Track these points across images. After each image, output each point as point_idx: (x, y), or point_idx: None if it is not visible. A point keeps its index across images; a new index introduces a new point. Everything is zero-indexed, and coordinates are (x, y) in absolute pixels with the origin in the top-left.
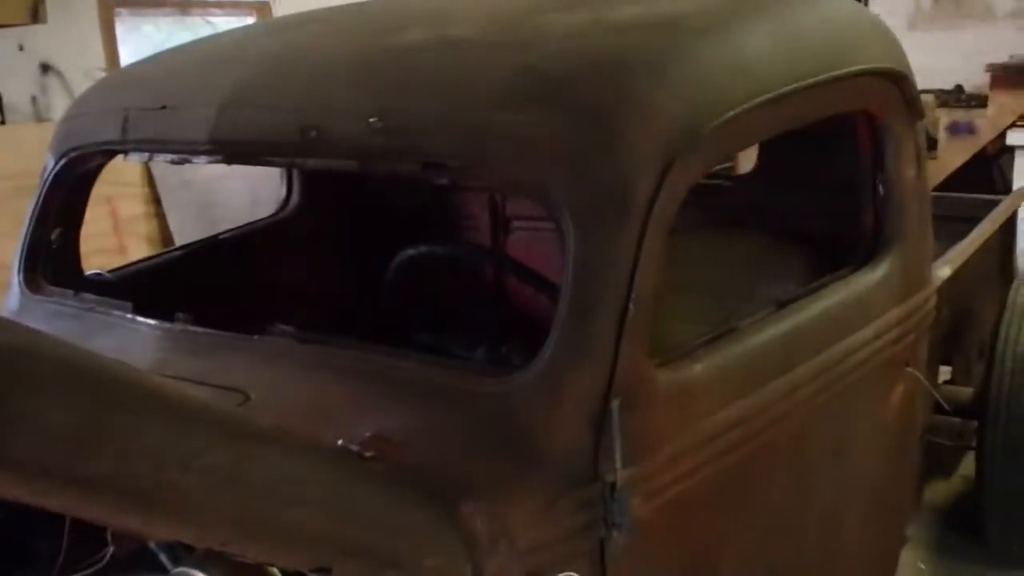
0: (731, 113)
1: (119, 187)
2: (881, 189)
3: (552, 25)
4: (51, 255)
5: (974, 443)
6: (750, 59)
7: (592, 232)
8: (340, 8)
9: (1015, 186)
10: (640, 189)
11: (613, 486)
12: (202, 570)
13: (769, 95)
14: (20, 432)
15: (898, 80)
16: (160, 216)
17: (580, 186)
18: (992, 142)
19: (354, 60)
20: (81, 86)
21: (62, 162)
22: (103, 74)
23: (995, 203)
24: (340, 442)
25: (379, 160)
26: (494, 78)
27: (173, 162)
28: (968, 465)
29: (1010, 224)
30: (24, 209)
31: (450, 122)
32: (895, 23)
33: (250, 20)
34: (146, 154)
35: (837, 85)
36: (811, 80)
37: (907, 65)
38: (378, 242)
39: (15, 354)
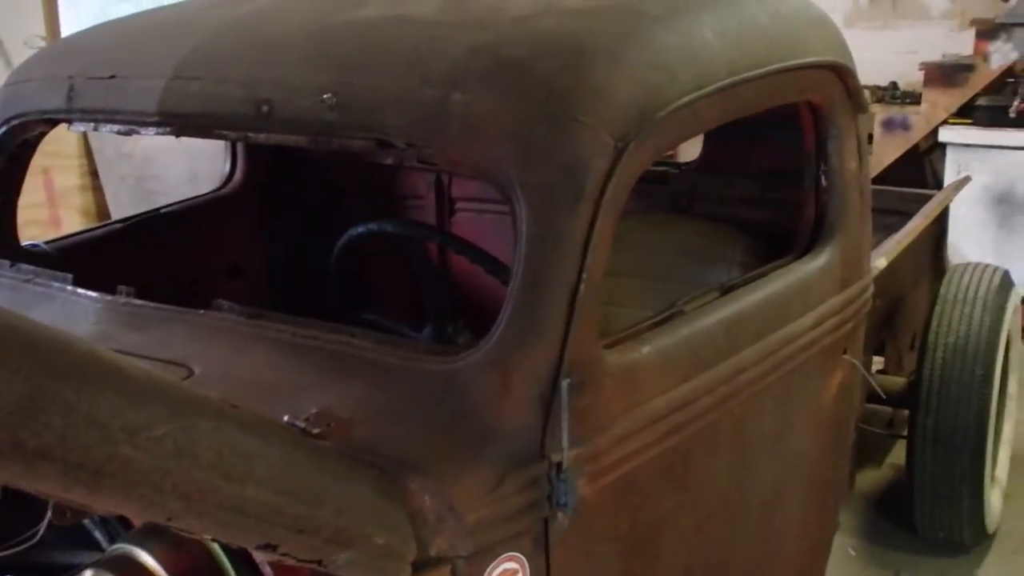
0: (684, 100)
1: (55, 158)
2: (823, 180)
3: (508, 7)
4: None
5: (905, 432)
6: (702, 47)
7: (545, 212)
8: None
9: (946, 181)
10: (594, 171)
11: (559, 466)
12: (140, 546)
13: (720, 83)
14: None
15: (842, 73)
16: (96, 189)
17: (534, 166)
18: (925, 138)
19: (309, 35)
20: (20, 54)
21: (2, 129)
22: (42, 42)
23: (928, 197)
24: (286, 418)
25: (332, 136)
26: (450, 57)
27: (120, 133)
28: (897, 453)
29: (942, 218)
30: None
31: (404, 100)
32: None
33: None
34: (91, 124)
35: (784, 76)
36: (759, 71)
37: (851, 59)
38: (322, 219)
39: None
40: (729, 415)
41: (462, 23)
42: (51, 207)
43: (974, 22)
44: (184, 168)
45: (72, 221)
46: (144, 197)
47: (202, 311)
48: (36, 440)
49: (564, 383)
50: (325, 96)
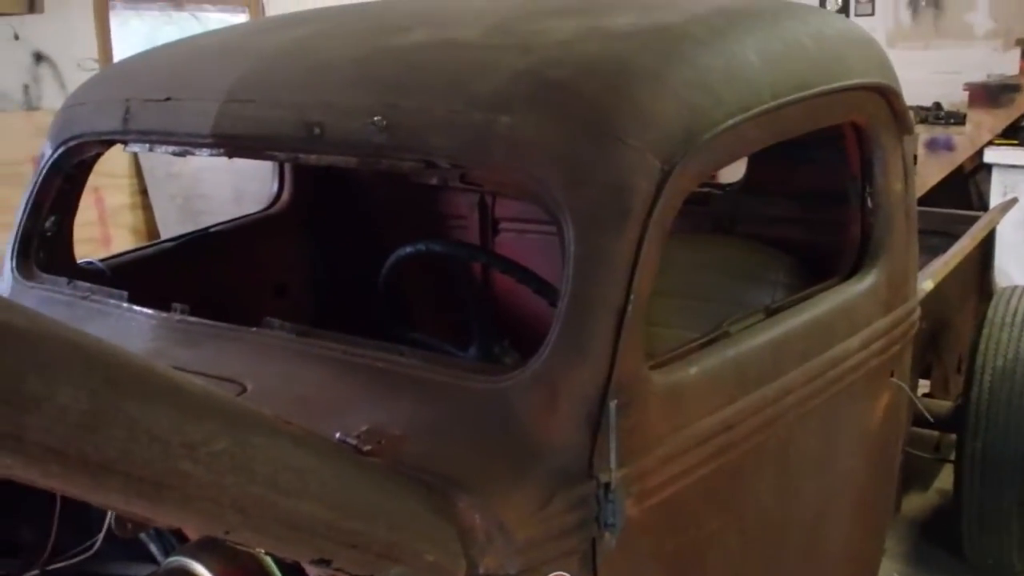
0: (730, 122)
1: (106, 177)
2: (869, 201)
3: (551, 31)
4: (44, 243)
5: (952, 456)
6: (746, 70)
7: (592, 233)
8: (341, 8)
9: (991, 203)
10: (640, 192)
11: (607, 486)
12: (195, 559)
13: (765, 106)
14: (36, 415)
15: (887, 94)
16: (146, 208)
17: (581, 187)
18: (970, 159)
19: (358, 58)
20: (73, 76)
21: (60, 150)
22: (95, 65)
23: (974, 219)
24: (337, 435)
25: (382, 158)
26: (495, 80)
27: (174, 154)
28: (945, 478)
29: (988, 240)
30: (13, 196)
31: (452, 122)
32: None
33: (242, 16)
34: (146, 145)
35: (829, 98)
36: (804, 93)
37: (896, 80)
38: (366, 239)
39: (30, 337)
40: (775, 437)
41: (507, 47)
42: (102, 225)
43: (1019, 42)
44: (230, 188)
45: (122, 239)
46: (191, 216)
47: (254, 328)
48: (100, 454)
49: (612, 403)
50: (375, 118)
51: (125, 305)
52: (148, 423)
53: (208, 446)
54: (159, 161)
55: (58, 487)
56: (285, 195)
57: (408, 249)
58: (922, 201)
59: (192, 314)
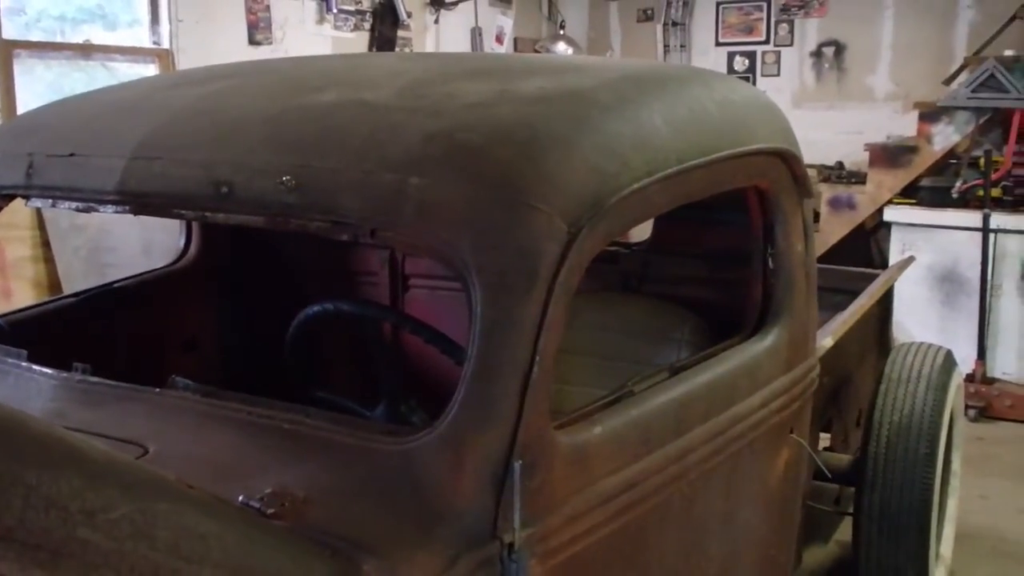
0: (635, 186)
1: (7, 229)
2: (771, 262)
3: (463, 94)
4: None
5: (851, 509)
6: (653, 135)
7: (499, 296)
8: (253, 64)
9: (891, 259)
10: (546, 256)
11: (511, 547)
12: None
13: (670, 170)
14: None
15: (788, 159)
16: (49, 260)
17: (488, 251)
18: (871, 217)
19: (268, 117)
20: None
21: None
22: None
23: (873, 276)
24: (241, 498)
25: (291, 218)
26: (406, 142)
27: (78, 210)
28: (845, 530)
29: (887, 297)
30: None
31: (362, 184)
32: (780, 99)
33: (151, 67)
34: (49, 201)
35: (732, 163)
36: (708, 157)
37: (797, 145)
38: (276, 293)
39: None
40: (678, 494)
41: (418, 109)
42: (2, 278)
43: (917, 105)
44: (138, 240)
45: (23, 292)
46: (97, 269)
47: (158, 389)
48: None
49: (516, 464)
50: (284, 178)
51: (24, 364)
52: (46, 490)
53: (107, 513)
54: (63, 212)
55: None
56: (193, 249)
57: (314, 309)
58: (825, 258)
59: (97, 373)
